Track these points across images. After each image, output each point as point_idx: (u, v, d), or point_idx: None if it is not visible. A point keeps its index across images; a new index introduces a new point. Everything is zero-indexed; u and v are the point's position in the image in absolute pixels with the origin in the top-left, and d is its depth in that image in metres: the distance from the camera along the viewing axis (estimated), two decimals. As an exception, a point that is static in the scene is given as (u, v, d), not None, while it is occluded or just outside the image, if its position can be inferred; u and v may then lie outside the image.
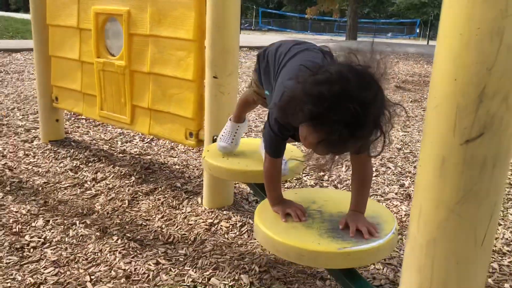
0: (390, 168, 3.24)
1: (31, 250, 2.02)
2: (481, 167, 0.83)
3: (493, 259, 2.09)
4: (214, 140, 2.31)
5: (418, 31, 40.78)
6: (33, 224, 2.23)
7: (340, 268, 1.31)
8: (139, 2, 2.51)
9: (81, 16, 2.87)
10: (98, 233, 2.18)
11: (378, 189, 2.85)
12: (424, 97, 6.40)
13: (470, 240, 0.88)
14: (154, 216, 2.38)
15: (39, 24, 3.18)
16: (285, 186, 2.83)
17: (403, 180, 3.01)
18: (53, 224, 2.25)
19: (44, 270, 1.87)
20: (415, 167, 3.30)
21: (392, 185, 2.92)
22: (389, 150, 3.63)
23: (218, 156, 1.96)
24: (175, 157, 3.30)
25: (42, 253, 1.99)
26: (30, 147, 3.34)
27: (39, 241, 2.09)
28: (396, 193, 2.79)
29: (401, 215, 2.50)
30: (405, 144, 3.84)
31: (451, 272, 0.91)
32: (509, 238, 2.27)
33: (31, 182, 2.73)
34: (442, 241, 0.90)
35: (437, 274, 0.92)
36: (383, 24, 46.11)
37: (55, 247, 2.05)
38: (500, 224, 2.43)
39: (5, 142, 3.40)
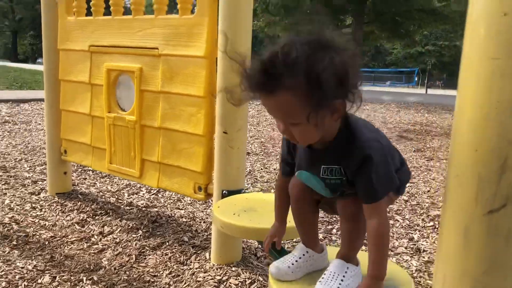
0: (398, 221, 3.21)
1: (37, 309, 1.98)
2: (505, 238, 0.83)
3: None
4: (223, 195, 2.31)
5: (416, 79, 41.56)
6: (39, 281, 2.20)
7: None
8: (151, 60, 2.58)
9: (93, 72, 2.94)
10: (105, 291, 2.14)
11: (388, 243, 2.81)
12: (426, 146, 6.44)
13: (496, 311, 0.87)
14: (162, 272, 2.35)
15: (51, 78, 3.26)
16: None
17: (411, 233, 2.98)
18: (59, 280, 2.21)
19: (50, 330, 1.82)
20: (423, 219, 3.27)
21: (401, 239, 2.88)
22: (396, 202, 3.62)
23: (228, 213, 1.96)
24: (182, 209, 3.29)
25: (48, 312, 1.94)
26: (37, 199, 3.33)
27: (46, 299, 2.05)
28: (405, 247, 2.76)
29: (412, 271, 2.46)
30: (412, 196, 3.83)
31: None
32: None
33: (37, 236, 2.70)
34: (468, 312, 0.89)
35: None
36: (381, 72, 47.03)
37: (61, 305, 2.01)
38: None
39: (12, 194, 3.40)
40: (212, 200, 2.47)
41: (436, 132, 8.21)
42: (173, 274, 2.32)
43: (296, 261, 1.47)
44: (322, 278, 1.36)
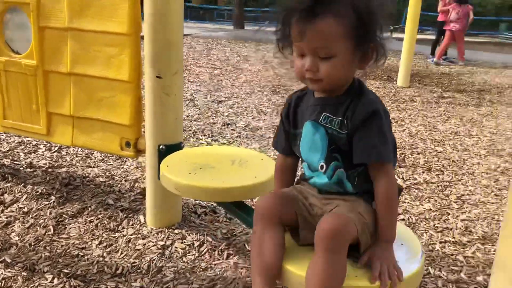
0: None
1: None
2: None
3: (456, 251, 2.10)
4: (160, 151, 2.00)
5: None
6: None
7: None
8: (52, -12, 2.08)
9: (-31, 5, 2.32)
10: (24, 273, 1.77)
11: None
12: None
13: None
14: (90, 242, 2.02)
15: None
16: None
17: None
18: (-41, 270, 1.78)
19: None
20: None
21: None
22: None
23: (183, 172, 1.67)
24: (94, 166, 2.88)
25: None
26: None
27: None
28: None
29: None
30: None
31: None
32: (462, 227, 2.31)
33: None
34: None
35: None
36: (263, 12, 47.21)
37: (-29, 301, 1.61)
38: (448, 213, 2.47)
39: None
40: (135, 157, 2.15)
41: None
42: (104, 244, 2.01)
43: None
44: None
